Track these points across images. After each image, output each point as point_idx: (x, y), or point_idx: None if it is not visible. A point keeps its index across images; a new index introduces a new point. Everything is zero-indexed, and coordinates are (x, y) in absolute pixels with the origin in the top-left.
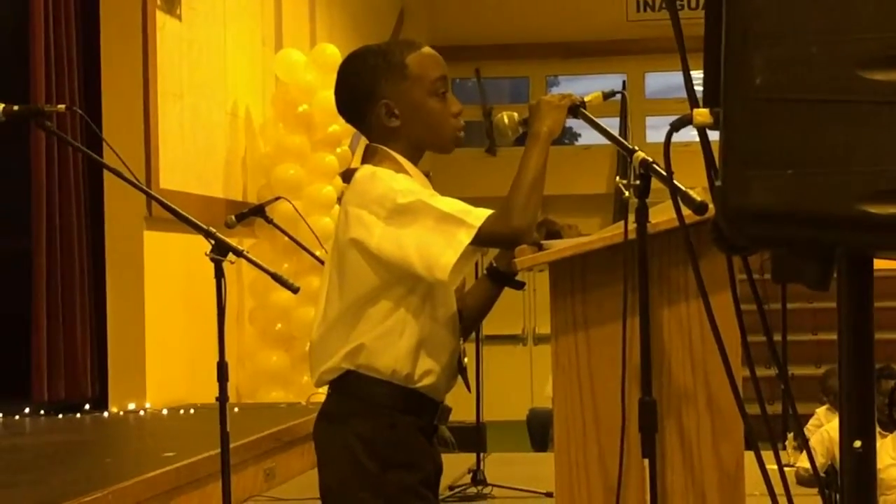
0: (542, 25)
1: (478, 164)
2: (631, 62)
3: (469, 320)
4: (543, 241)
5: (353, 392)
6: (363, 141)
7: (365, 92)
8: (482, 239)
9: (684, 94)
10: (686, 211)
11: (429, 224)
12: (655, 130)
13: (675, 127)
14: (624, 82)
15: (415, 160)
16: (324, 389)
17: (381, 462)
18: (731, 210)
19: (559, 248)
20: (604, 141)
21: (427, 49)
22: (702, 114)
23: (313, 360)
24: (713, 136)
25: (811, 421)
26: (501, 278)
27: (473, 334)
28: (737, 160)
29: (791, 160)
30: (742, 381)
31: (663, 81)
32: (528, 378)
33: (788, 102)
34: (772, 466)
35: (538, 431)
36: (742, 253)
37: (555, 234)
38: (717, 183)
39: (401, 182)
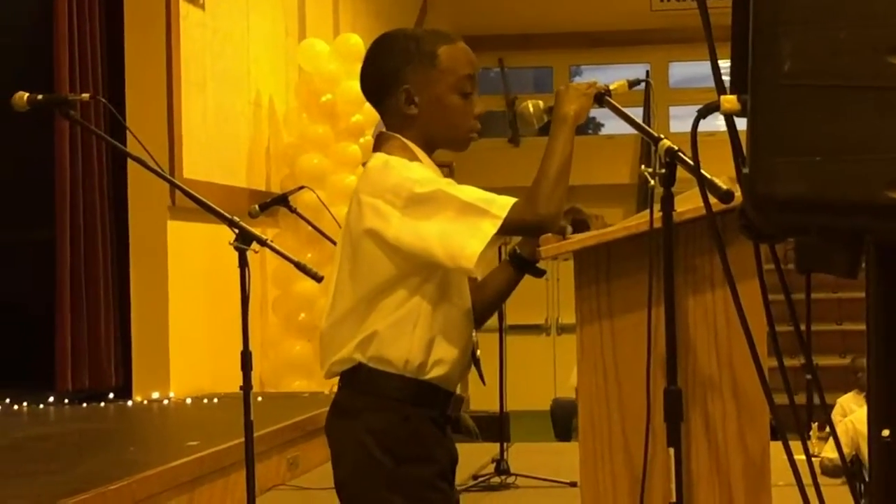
0: (565, 15)
1: (501, 154)
2: (655, 52)
3: (488, 305)
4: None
5: (364, 386)
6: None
7: (389, 74)
8: (508, 228)
9: (708, 84)
10: (712, 199)
11: (450, 214)
12: (679, 120)
13: (703, 114)
14: (647, 72)
15: (428, 151)
16: None
17: (395, 456)
18: (758, 197)
19: (584, 236)
20: (627, 130)
21: (462, 45)
22: (729, 101)
23: (324, 350)
24: (740, 123)
25: (834, 410)
26: (523, 265)
27: (497, 324)
28: (764, 147)
29: (819, 147)
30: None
31: (687, 71)
32: (551, 368)
33: (817, 89)
34: (798, 456)
35: (561, 421)
36: (769, 241)
37: (581, 221)
38: (745, 170)
39: (416, 171)
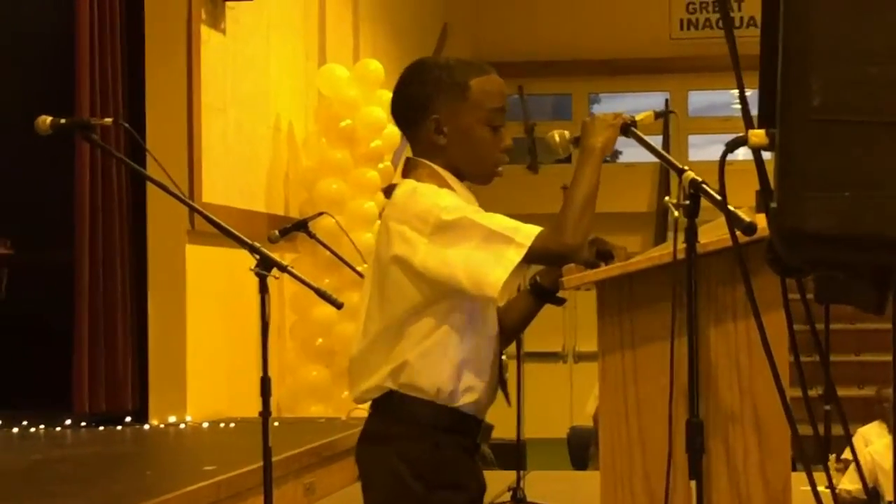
0: (585, 43)
1: (519, 181)
2: (674, 80)
3: (508, 334)
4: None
5: (396, 413)
6: (406, 153)
7: (420, 102)
8: (533, 256)
9: (727, 112)
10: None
11: (475, 241)
12: (697, 149)
13: (730, 148)
14: (667, 100)
15: (458, 177)
16: (365, 405)
17: (426, 483)
18: (786, 232)
19: (607, 267)
20: (646, 159)
21: (494, 77)
22: (757, 135)
23: (354, 376)
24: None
25: (855, 439)
26: (543, 294)
27: (515, 351)
28: (793, 182)
29: (848, 182)
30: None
31: (706, 99)
32: (568, 396)
33: (846, 124)
34: (819, 488)
35: (578, 450)
36: (796, 275)
37: (606, 253)
38: (773, 204)
39: (444, 198)
